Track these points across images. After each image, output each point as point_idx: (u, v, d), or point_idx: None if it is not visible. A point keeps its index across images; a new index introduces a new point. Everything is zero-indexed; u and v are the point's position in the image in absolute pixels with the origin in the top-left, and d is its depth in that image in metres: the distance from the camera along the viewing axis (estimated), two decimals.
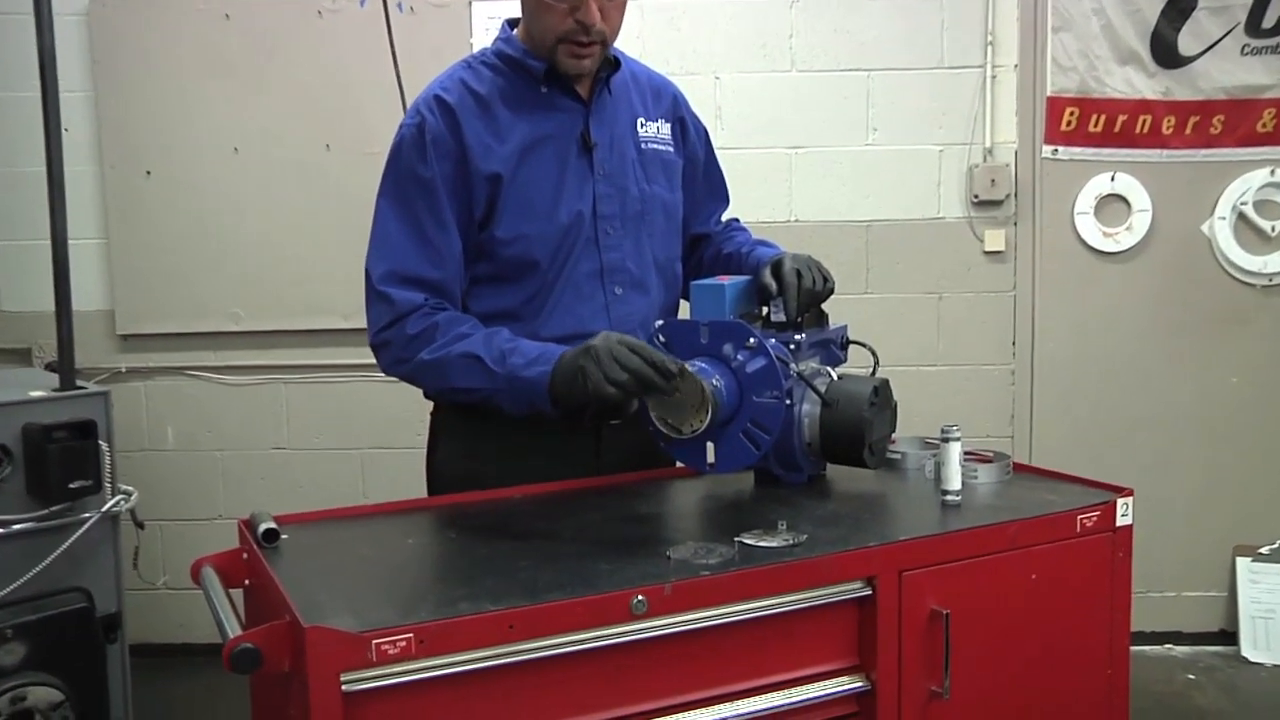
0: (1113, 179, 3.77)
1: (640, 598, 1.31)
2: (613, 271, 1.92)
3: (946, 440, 1.67)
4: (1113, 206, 3.80)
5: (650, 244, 1.98)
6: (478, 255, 1.88)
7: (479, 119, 1.86)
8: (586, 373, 1.66)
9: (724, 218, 2.23)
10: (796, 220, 3.79)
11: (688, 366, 1.65)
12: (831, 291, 1.90)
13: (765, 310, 1.87)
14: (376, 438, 3.84)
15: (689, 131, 2.11)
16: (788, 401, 1.72)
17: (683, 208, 2.08)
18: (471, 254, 1.88)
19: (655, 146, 2.01)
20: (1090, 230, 3.80)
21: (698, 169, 2.14)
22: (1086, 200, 3.78)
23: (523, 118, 1.89)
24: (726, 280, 1.84)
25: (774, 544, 1.46)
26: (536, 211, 1.87)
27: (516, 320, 1.87)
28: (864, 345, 1.95)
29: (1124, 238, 3.80)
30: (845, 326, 1.96)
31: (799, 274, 1.86)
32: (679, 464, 1.83)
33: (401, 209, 1.85)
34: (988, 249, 3.80)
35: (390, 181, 1.87)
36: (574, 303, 1.89)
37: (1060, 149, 3.76)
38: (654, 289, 1.99)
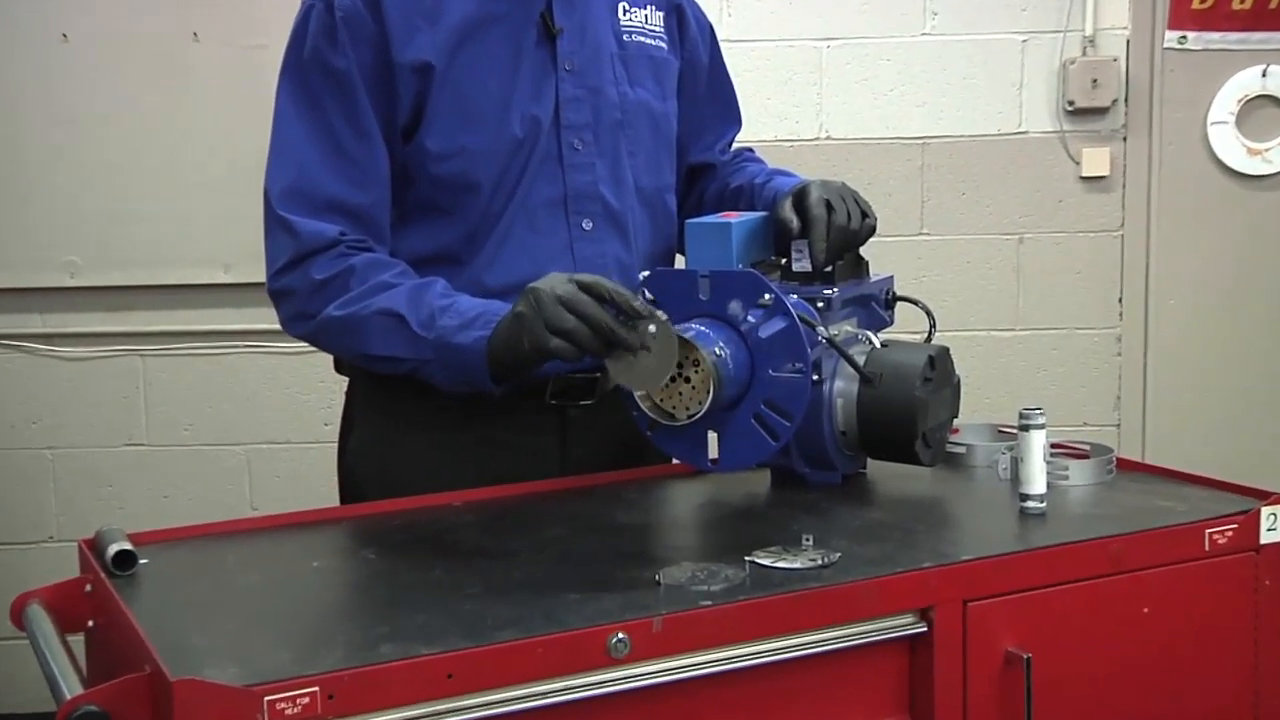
0: (1264, 75, 3.78)
1: (621, 636, 1.33)
2: (580, 199, 1.95)
3: (1027, 428, 1.69)
4: (1262, 113, 3.83)
5: (632, 165, 2.00)
6: (403, 178, 1.90)
7: None
8: (524, 321, 1.67)
9: (734, 145, 2.26)
10: (828, 138, 3.81)
11: (660, 314, 1.66)
12: (873, 231, 1.93)
13: (785, 257, 1.89)
14: (269, 429, 3.86)
15: (688, 26, 2.12)
16: (815, 377, 1.74)
17: (678, 125, 2.10)
18: (396, 176, 1.90)
19: (643, 39, 2.03)
20: (1230, 146, 3.82)
21: (699, 77, 2.16)
22: (1225, 105, 3.80)
23: None
24: (733, 217, 1.86)
25: (797, 565, 1.49)
26: (479, 115, 1.88)
27: (453, 264, 1.90)
28: (916, 303, 1.98)
29: (1277, 155, 3.83)
30: (891, 278, 1.99)
31: (829, 207, 1.87)
32: (672, 460, 1.86)
33: (309, 110, 1.87)
34: (1087, 174, 3.82)
35: (293, 74, 1.89)
36: (528, 239, 1.92)
37: (1190, 35, 3.76)
38: (636, 225, 2.01)
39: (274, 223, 1.86)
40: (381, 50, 1.86)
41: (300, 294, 1.84)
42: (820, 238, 1.85)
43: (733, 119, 2.24)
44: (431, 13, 1.88)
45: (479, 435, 1.92)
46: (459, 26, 1.88)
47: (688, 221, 1.87)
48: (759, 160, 2.23)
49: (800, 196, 1.89)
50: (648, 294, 1.79)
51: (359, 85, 1.85)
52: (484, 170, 1.89)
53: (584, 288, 1.66)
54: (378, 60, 1.86)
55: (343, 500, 2.02)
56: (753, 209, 2.00)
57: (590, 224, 1.95)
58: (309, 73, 1.87)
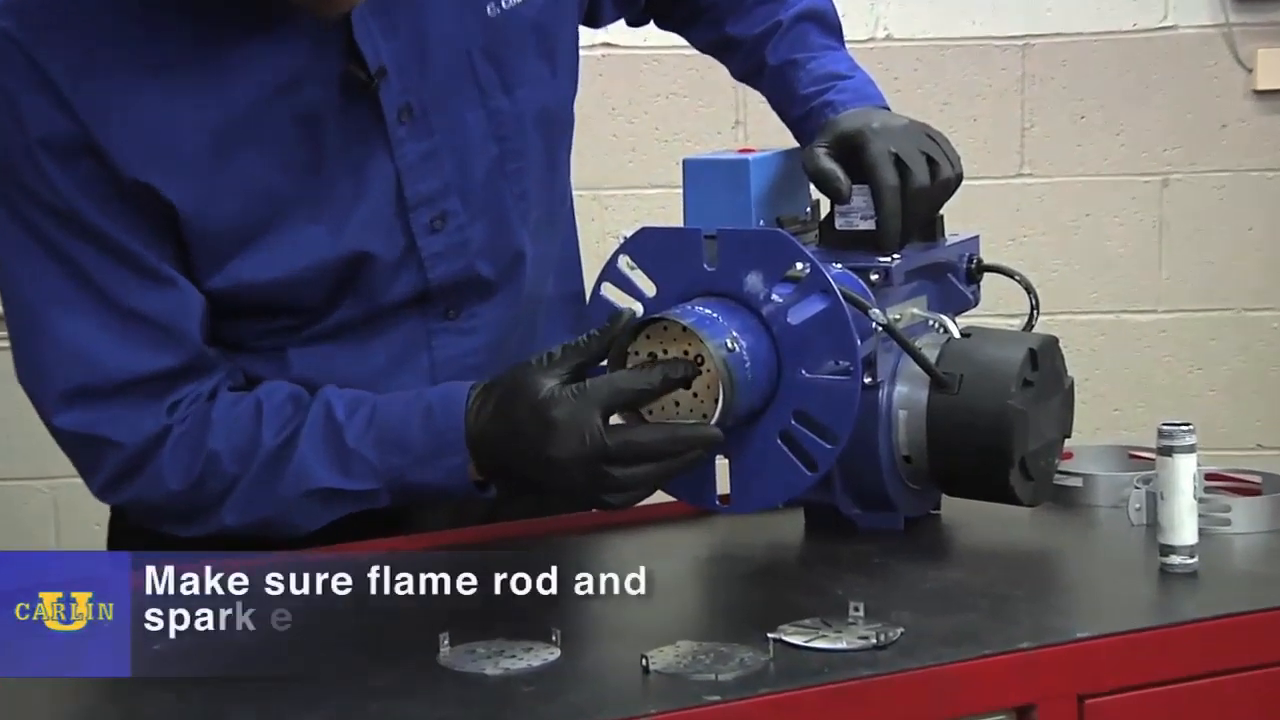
0: None
1: None
2: (447, 293, 1.93)
3: (1170, 452, 1.71)
4: None
5: (522, 206, 1.96)
6: None
7: (108, 72, 1.73)
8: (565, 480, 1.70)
9: None
10: (888, 37, 3.81)
11: (680, 317, 1.67)
12: (958, 183, 1.91)
13: (823, 205, 1.91)
14: None
15: None
16: (867, 379, 1.76)
17: None
18: None
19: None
20: None
21: None
22: None
23: (210, 66, 1.76)
24: (751, 154, 1.87)
25: (841, 645, 1.51)
26: (265, 245, 1.82)
27: (244, 352, 1.90)
28: (1012, 275, 1.99)
29: None
30: (976, 239, 2.01)
31: (900, 164, 1.83)
32: (669, 497, 1.87)
33: (58, 270, 1.77)
34: (1263, 86, 3.81)
35: (11, 218, 1.78)
36: (365, 341, 1.91)
37: None
38: (529, 274, 2.00)
39: (67, 437, 1.85)
40: (101, 162, 1.75)
41: (160, 506, 1.84)
42: (894, 214, 1.81)
43: None
44: (166, 109, 1.75)
45: None
46: (207, 145, 1.77)
47: (686, 159, 1.86)
48: None
49: (853, 144, 1.84)
50: (629, 263, 1.78)
51: (102, 221, 1.76)
52: (290, 299, 1.87)
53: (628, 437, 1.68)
54: (105, 172, 1.75)
55: (113, 543, 2.01)
56: (780, 116, 2.01)
57: (455, 312, 1.95)
58: (28, 217, 1.76)
